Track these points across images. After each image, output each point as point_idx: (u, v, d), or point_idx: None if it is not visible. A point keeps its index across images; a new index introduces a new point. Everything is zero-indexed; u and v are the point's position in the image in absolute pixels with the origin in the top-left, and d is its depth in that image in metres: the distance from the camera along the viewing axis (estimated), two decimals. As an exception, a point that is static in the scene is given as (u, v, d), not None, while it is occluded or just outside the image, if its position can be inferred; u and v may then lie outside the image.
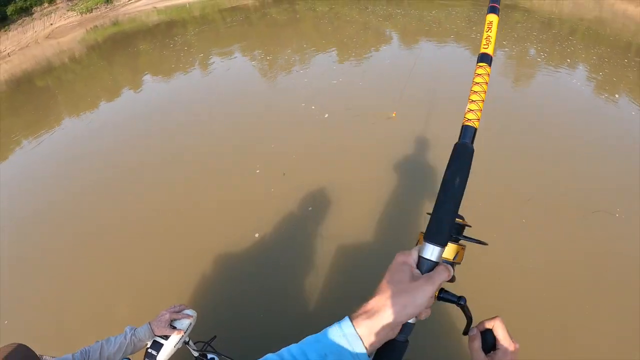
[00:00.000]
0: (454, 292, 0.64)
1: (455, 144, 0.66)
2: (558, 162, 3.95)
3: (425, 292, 0.56)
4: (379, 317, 0.54)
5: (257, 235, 3.46)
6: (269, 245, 3.39)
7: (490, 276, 2.80)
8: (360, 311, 0.57)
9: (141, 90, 7.37)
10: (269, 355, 0.57)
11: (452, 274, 0.60)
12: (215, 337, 1.76)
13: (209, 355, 1.75)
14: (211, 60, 8.58)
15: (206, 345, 1.71)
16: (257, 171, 4.22)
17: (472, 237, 0.67)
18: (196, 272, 3.20)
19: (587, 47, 7.24)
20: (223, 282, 3.14)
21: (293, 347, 0.57)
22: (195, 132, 5.41)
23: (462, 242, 0.66)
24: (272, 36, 9.87)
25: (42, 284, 3.36)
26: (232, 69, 7.75)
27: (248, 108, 5.80)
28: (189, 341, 1.57)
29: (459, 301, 0.62)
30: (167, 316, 1.44)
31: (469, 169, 0.64)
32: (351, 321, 0.56)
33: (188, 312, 1.51)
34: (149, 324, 1.42)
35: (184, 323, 1.46)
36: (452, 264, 0.64)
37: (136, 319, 2.81)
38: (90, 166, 4.95)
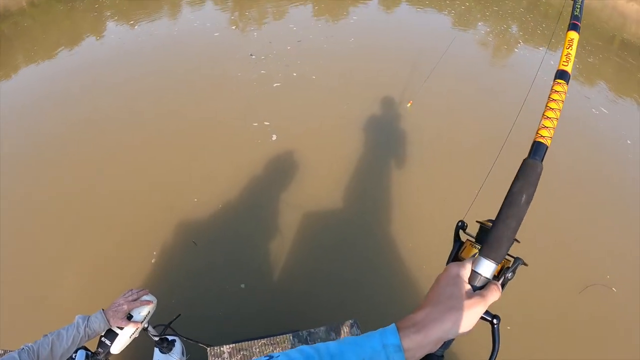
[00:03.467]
0: None
1: (525, 160, 0.66)
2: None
3: (477, 311, 0.56)
4: (428, 332, 0.53)
5: (219, 205, 3.38)
6: (229, 216, 3.34)
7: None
8: (408, 321, 0.55)
9: (103, 38, 6.85)
10: (304, 347, 0.55)
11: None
12: (179, 315, 1.70)
13: (170, 338, 1.70)
14: (181, 10, 8.01)
15: (166, 327, 1.65)
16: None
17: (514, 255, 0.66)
18: (150, 245, 3.08)
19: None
20: (181, 256, 3.05)
21: (331, 344, 0.55)
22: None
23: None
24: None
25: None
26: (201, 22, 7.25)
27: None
28: (147, 327, 1.50)
29: (493, 320, 0.60)
30: (125, 307, 1.33)
31: (536, 188, 0.64)
32: (398, 331, 0.54)
33: (147, 297, 1.42)
34: (104, 313, 1.32)
35: (142, 314, 1.37)
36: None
37: (83, 301, 2.63)
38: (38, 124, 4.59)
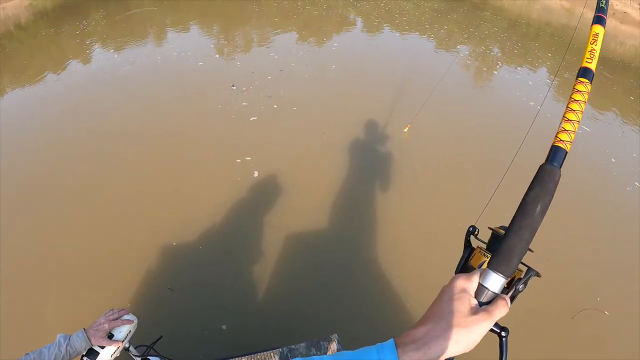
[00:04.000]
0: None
1: (541, 166, 0.60)
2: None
3: (482, 329, 0.52)
4: (428, 350, 0.50)
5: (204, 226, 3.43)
6: (214, 236, 3.38)
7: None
8: (407, 338, 0.52)
9: (83, 65, 6.86)
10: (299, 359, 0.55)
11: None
12: (161, 337, 1.72)
13: (152, 359, 1.71)
14: (164, 38, 8.14)
15: (149, 349, 1.67)
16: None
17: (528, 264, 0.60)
18: (133, 265, 3.09)
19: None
20: (164, 277, 3.05)
21: (326, 358, 0.54)
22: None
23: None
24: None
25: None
26: (184, 49, 7.31)
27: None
28: (129, 347, 1.52)
29: (501, 332, 0.55)
30: (106, 326, 1.37)
31: (552, 196, 0.58)
32: (396, 348, 0.51)
33: (127, 317, 1.46)
34: (85, 332, 1.35)
35: (122, 332, 1.41)
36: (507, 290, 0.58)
37: (65, 321, 2.64)
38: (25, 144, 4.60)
